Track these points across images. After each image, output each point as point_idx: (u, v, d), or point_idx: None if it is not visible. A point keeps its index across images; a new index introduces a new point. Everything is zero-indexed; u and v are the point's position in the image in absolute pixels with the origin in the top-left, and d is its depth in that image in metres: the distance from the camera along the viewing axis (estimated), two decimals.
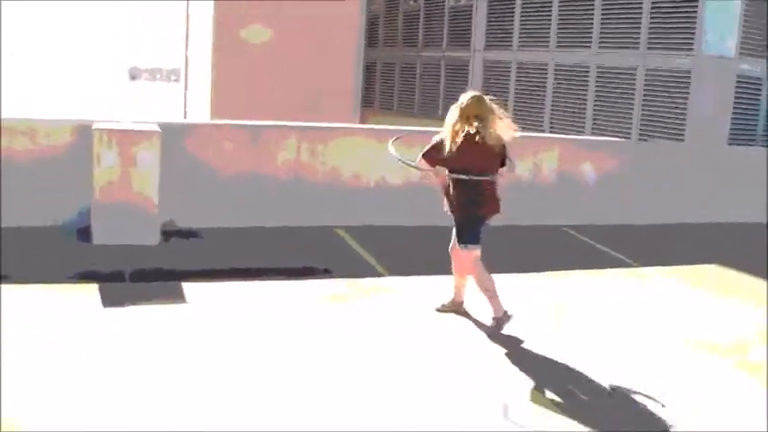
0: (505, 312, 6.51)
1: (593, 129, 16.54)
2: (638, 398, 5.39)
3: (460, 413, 5.02)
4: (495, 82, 19.51)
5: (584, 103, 16.85)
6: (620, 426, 5.04)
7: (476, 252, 6.47)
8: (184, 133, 9.19)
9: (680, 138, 14.54)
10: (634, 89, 15.71)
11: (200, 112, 24.18)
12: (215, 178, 9.17)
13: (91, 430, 4.39)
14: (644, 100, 15.50)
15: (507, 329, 6.50)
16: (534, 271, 8.46)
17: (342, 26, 23.19)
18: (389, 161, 9.63)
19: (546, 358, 6.06)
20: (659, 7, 15.10)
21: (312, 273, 7.83)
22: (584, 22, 16.80)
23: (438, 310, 6.88)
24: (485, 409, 5.07)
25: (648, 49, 15.34)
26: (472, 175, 6.31)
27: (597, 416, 5.13)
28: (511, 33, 19.01)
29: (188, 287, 7.05)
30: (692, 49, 14.52)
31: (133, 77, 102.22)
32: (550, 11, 17.72)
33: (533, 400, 5.28)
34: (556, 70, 17.69)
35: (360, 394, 5.18)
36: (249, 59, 22.32)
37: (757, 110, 15.13)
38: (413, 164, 6.74)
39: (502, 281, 6.76)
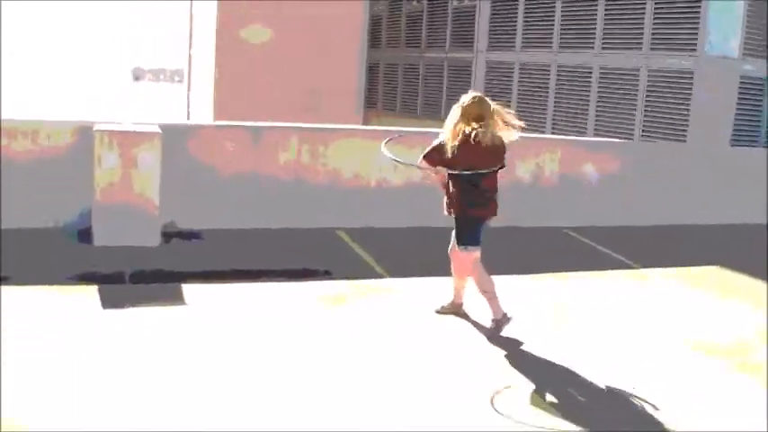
0: (505, 314, 6.50)
1: (595, 130, 16.53)
2: (637, 399, 5.38)
3: (460, 414, 5.01)
4: (498, 83, 19.51)
5: (587, 104, 16.84)
6: (620, 426, 5.03)
7: (476, 254, 6.46)
8: (185, 134, 9.20)
9: (682, 138, 14.52)
10: (637, 90, 15.70)
11: (203, 113, 24.22)
12: (216, 179, 9.18)
13: (90, 430, 4.40)
14: (646, 101, 15.50)
15: (507, 331, 6.49)
16: (535, 272, 8.45)
17: (345, 27, 23.22)
18: (390, 162, 9.71)
19: (546, 360, 6.05)
20: (662, 8, 15.09)
21: (312, 274, 7.84)
22: (587, 22, 16.80)
23: (437, 312, 6.87)
24: (484, 411, 5.06)
25: (651, 49, 15.33)
26: (472, 176, 6.30)
27: (597, 417, 5.13)
28: (514, 34, 19.02)
29: (188, 289, 7.06)
30: (694, 49, 14.51)
31: (137, 78, 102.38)
32: (553, 12, 17.72)
33: (533, 401, 5.28)
34: (558, 71, 17.68)
35: (359, 395, 5.18)
36: (252, 60, 22.36)
37: (760, 111, 15.12)
38: (410, 163, 6.75)
39: (502, 282, 6.76)
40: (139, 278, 7.37)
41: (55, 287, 6.79)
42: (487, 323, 6.58)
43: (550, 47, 17.82)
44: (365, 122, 23.50)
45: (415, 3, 23.44)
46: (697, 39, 14.48)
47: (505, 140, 6.40)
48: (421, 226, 9.11)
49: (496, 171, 6.41)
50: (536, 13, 18.34)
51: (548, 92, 17.96)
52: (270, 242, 8.82)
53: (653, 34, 15.29)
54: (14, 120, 8.77)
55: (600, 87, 16.57)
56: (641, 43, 15.50)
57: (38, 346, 5.49)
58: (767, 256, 9.64)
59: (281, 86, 22.48)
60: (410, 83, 23.52)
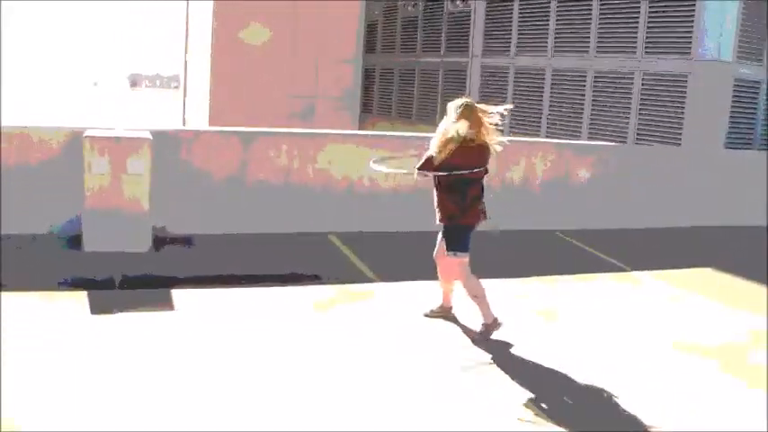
0: (495, 319, 6.48)
1: (590, 133, 16.53)
2: (628, 402, 5.36)
3: (449, 418, 5.00)
4: (493, 87, 19.52)
5: (582, 108, 16.84)
6: (611, 428, 5.01)
7: (464, 259, 6.44)
8: (176, 140, 9.17)
9: (677, 142, 14.53)
10: (631, 93, 15.70)
11: (199, 118, 24.22)
12: (208, 185, 9.17)
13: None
14: (641, 104, 15.50)
15: (498, 335, 6.47)
16: (526, 276, 8.44)
17: (340, 32, 23.23)
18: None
19: (536, 363, 6.04)
20: (656, 11, 15.10)
21: (302, 279, 7.82)
22: (582, 27, 16.80)
23: (426, 316, 6.86)
24: (473, 414, 5.04)
25: (645, 53, 15.34)
26: (462, 182, 6.29)
27: (588, 420, 5.12)
28: (509, 39, 19.03)
29: (177, 294, 7.04)
30: (689, 52, 14.51)
31: (134, 84, 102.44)
32: (548, 16, 17.74)
33: (523, 403, 5.26)
34: (553, 75, 17.69)
35: (349, 399, 5.17)
36: (247, 66, 22.36)
37: (755, 113, 15.12)
38: (406, 171, 6.73)
39: (494, 286, 6.76)
40: (129, 284, 7.35)
41: (44, 293, 6.77)
42: (477, 327, 6.56)
43: (545, 51, 17.83)
44: (361, 127, 23.50)
45: (410, 8, 23.46)
46: (691, 42, 14.48)
47: (493, 146, 6.40)
48: (412, 230, 9.07)
49: (482, 177, 6.40)
50: (530, 17, 18.35)
51: (542, 96, 17.96)
52: (261, 247, 8.80)
53: (647, 38, 15.30)
54: (6, 126, 8.74)
55: (594, 91, 16.57)
56: (635, 47, 15.51)
57: (26, 352, 5.48)
58: (767, 258, 9.62)
59: (279, 92, 22.49)
60: (405, 87, 23.54)
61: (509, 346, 6.35)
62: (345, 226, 9.53)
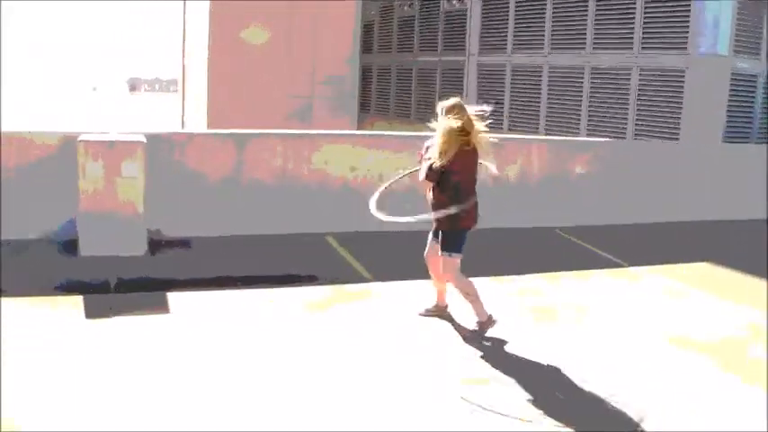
0: (490, 317, 6.46)
1: (588, 129, 16.51)
2: (627, 400, 5.34)
3: (445, 416, 4.98)
4: (490, 85, 19.51)
5: (579, 105, 16.82)
6: (609, 426, 4.99)
7: (456, 260, 6.42)
8: (171, 143, 9.16)
9: (675, 136, 14.50)
10: (629, 89, 15.68)
11: (198, 120, 24.24)
12: (203, 187, 9.15)
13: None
14: (638, 100, 15.47)
15: (495, 332, 6.46)
16: (523, 273, 8.41)
17: (337, 32, 23.23)
18: (377, 167, 9.69)
19: (533, 360, 6.02)
20: (652, 7, 15.07)
21: (298, 280, 7.80)
22: (578, 23, 16.78)
23: (421, 315, 6.84)
24: (471, 413, 5.02)
25: (642, 48, 15.31)
26: (461, 185, 6.28)
27: (586, 419, 5.09)
28: (505, 37, 19.01)
29: (173, 297, 7.02)
30: (685, 47, 14.48)
31: (133, 88, 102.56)
32: (544, 14, 17.72)
33: (520, 402, 5.23)
34: (550, 72, 17.67)
35: (345, 398, 5.15)
36: (244, 68, 22.37)
37: (752, 107, 15.08)
38: (408, 172, 6.72)
39: (491, 283, 6.75)
40: (124, 287, 7.34)
41: (40, 298, 6.76)
42: (471, 325, 6.54)
43: (542, 48, 17.81)
44: (359, 127, 23.49)
45: (406, 7, 23.45)
46: (687, 37, 14.45)
47: (482, 146, 6.39)
48: (410, 230, 9.05)
49: (474, 177, 6.39)
50: (527, 15, 18.33)
51: (540, 93, 17.95)
52: (257, 249, 8.79)
53: (643, 33, 15.27)
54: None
55: (592, 87, 16.55)
56: (632, 43, 15.48)
57: (22, 357, 5.46)
58: (767, 252, 9.60)
59: (277, 93, 22.49)
60: (403, 87, 23.52)
61: (506, 343, 6.33)
62: (342, 226, 9.50)
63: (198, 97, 24.53)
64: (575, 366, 5.87)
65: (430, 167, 6.23)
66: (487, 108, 6.41)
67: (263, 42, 22.40)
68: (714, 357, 6.24)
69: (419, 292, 7.19)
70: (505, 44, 19.00)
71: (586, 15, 16.55)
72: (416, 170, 6.61)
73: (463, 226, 6.40)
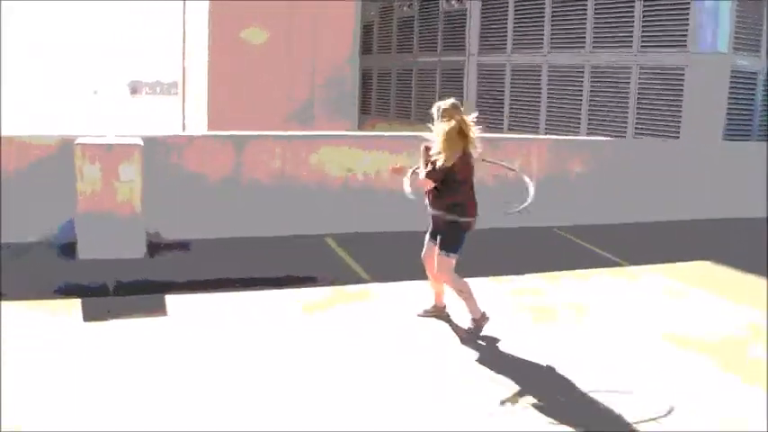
0: (483, 314, 6.45)
1: (588, 128, 16.48)
2: (627, 399, 5.32)
3: (443, 416, 4.97)
4: (490, 85, 19.49)
5: (579, 104, 16.79)
6: (608, 426, 4.97)
7: (453, 260, 6.41)
8: (168, 145, 9.15)
9: (675, 135, 14.47)
10: (628, 88, 15.65)
11: (198, 122, 24.26)
12: (201, 190, 9.15)
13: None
14: (639, 98, 15.44)
15: (493, 332, 6.44)
16: (522, 273, 8.39)
17: (336, 33, 23.24)
18: (375, 168, 9.68)
19: (533, 360, 6.00)
20: (652, 4, 15.05)
21: (296, 281, 7.79)
22: (577, 22, 16.76)
23: (419, 316, 6.82)
24: (469, 413, 5.01)
25: (642, 47, 15.29)
26: (462, 186, 6.28)
27: (584, 416, 5.08)
28: (505, 37, 19.00)
29: (171, 299, 7.02)
30: (685, 45, 14.46)
31: (134, 91, 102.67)
32: (543, 13, 17.70)
33: (519, 403, 5.21)
34: (550, 71, 17.65)
35: (344, 400, 5.14)
36: (244, 69, 22.39)
37: (752, 104, 15.04)
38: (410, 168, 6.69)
39: (489, 283, 6.72)
40: (122, 290, 7.33)
41: (38, 301, 6.76)
42: (468, 324, 6.52)
43: (541, 48, 17.79)
44: (360, 129, 23.49)
45: (405, 8, 23.43)
46: (687, 35, 14.43)
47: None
48: (409, 230, 9.03)
49: (472, 177, 6.38)
50: (526, 14, 18.31)
51: (540, 93, 17.93)
52: (257, 251, 8.77)
53: (643, 31, 15.25)
54: None
55: (592, 86, 16.53)
56: (632, 41, 15.46)
57: (18, 360, 5.45)
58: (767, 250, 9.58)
59: (277, 95, 22.51)
60: (403, 88, 23.49)
61: (505, 343, 6.31)
62: (341, 227, 9.49)
63: (198, 99, 24.57)
64: (574, 366, 5.84)
65: (434, 167, 6.19)
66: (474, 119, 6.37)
67: (262, 42, 22.41)
68: (714, 357, 6.21)
69: (418, 293, 7.17)
70: (505, 44, 18.98)
71: (586, 14, 16.53)
72: (417, 168, 6.56)
73: (462, 227, 6.39)
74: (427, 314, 6.83)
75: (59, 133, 8.95)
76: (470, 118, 6.28)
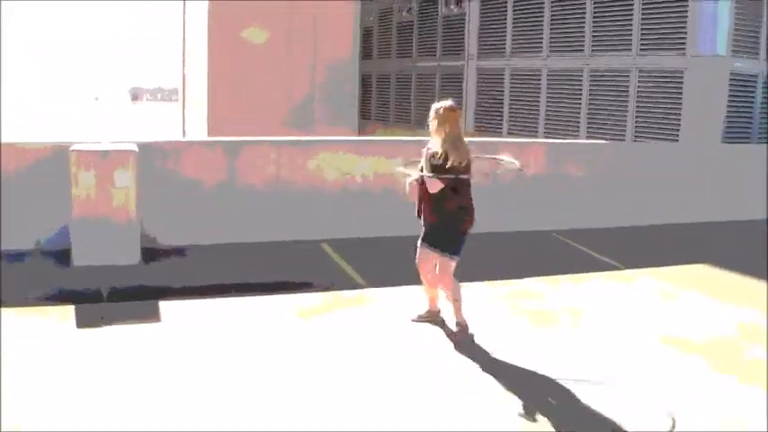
0: (467, 326, 6.46)
1: (588, 132, 16.47)
2: (624, 402, 5.28)
3: (441, 419, 4.94)
4: (490, 89, 19.48)
5: (579, 107, 16.78)
6: (606, 427, 4.93)
7: (454, 263, 6.38)
8: (164, 152, 9.13)
9: (675, 138, 14.45)
10: (628, 91, 15.64)
11: (198, 128, 24.29)
12: (197, 195, 9.12)
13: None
14: (638, 101, 15.43)
15: (489, 335, 6.41)
16: (520, 277, 8.35)
17: (337, 34, 23.24)
18: (372, 172, 9.66)
19: (530, 363, 5.94)
20: (650, 8, 15.04)
21: (291, 287, 7.75)
22: (576, 26, 16.76)
23: (414, 321, 6.78)
24: (466, 416, 4.97)
25: (641, 50, 15.28)
26: (468, 187, 6.27)
27: (579, 419, 5.04)
28: (504, 41, 19.00)
29: (165, 305, 6.98)
30: (684, 48, 14.45)
31: (135, 98, 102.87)
32: (542, 17, 17.70)
33: (516, 406, 5.18)
34: (549, 75, 17.64)
35: (339, 405, 5.10)
36: (245, 70, 22.40)
37: (752, 107, 15.02)
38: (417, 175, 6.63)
39: (486, 288, 6.66)
40: (116, 296, 7.30)
41: (32, 308, 6.74)
42: (461, 329, 6.49)
43: (540, 52, 17.79)
44: (360, 134, 23.50)
45: (404, 13, 23.44)
46: (686, 38, 14.42)
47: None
48: (405, 235, 9.01)
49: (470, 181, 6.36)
50: (525, 18, 18.32)
51: (539, 96, 17.92)
52: (252, 256, 8.75)
53: (642, 35, 15.25)
54: None
55: (591, 90, 16.51)
56: (630, 44, 15.45)
57: (10, 368, 5.42)
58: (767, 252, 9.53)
59: (277, 101, 22.52)
60: (403, 93, 23.51)
61: (502, 347, 6.26)
62: (337, 233, 9.46)
63: (198, 104, 24.57)
64: (572, 370, 5.80)
65: (443, 169, 6.14)
66: None
67: (263, 42, 22.41)
68: (713, 359, 6.16)
69: (413, 298, 7.13)
70: (504, 48, 18.98)
71: (584, 18, 16.53)
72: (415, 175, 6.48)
73: (465, 230, 6.37)
74: (421, 319, 6.79)
75: (55, 140, 8.94)
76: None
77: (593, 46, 16.40)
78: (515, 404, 5.23)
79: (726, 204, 11.79)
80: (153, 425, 4.74)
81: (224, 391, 5.24)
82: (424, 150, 6.39)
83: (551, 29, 17.50)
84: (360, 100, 24.78)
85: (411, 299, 7.15)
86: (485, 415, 5.05)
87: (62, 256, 8.25)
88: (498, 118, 19.12)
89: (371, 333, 6.54)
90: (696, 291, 8.20)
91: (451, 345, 6.32)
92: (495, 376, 5.68)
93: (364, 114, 25.27)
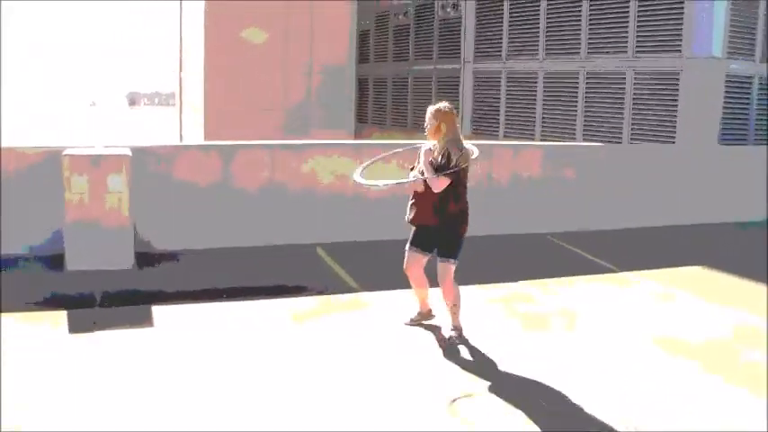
0: (461, 327, 6.43)
1: (584, 134, 16.46)
2: (622, 404, 5.25)
3: (438, 420, 4.92)
4: (486, 92, 19.47)
5: (575, 110, 16.77)
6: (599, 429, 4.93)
7: (454, 266, 6.36)
8: (158, 156, 9.10)
9: (671, 139, 14.44)
10: (624, 93, 15.63)
11: (195, 131, 24.27)
12: (191, 200, 9.09)
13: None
14: (634, 103, 15.42)
15: (483, 338, 6.39)
16: (514, 280, 8.32)
17: (334, 34, 23.23)
18: (366, 176, 9.60)
19: (524, 365, 5.92)
20: (646, 10, 15.04)
21: (285, 291, 7.73)
22: (572, 28, 16.76)
23: (407, 324, 6.76)
24: (465, 415, 4.95)
25: (637, 52, 15.28)
26: (465, 188, 6.31)
27: (575, 422, 5.01)
28: (500, 44, 18.99)
29: (158, 310, 6.96)
30: (679, 50, 14.44)
31: (132, 103, 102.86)
32: (538, 20, 17.70)
33: (509, 407, 5.16)
34: (545, 78, 17.63)
35: (334, 408, 5.08)
36: (242, 71, 22.38)
37: (748, 108, 15.01)
38: (399, 181, 6.59)
39: (483, 290, 6.63)
40: (109, 301, 7.27)
41: (24, 314, 6.70)
42: (454, 331, 6.46)
43: (536, 54, 17.78)
44: (356, 137, 23.47)
45: (401, 16, 23.44)
46: (681, 40, 14.42)
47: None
48: (396, 239, 8.98)
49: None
50: (521, 21, 18.32)
51: (536, 99, 17.91)
52: (246, 261, 8.72)
53: (638, 37, 15.25)
54: None
55: (587, 92, 16.50)
56: (626, 46, 15.45)
57: (4, 372, 5.39)
58: (767, 253, 9.50)
59: (273, 104, 22.50)
60: (399, 96, 23.51)
61: (496, 350, 6.24)
62: (331, 237, 9.44)
63: (195, 107, 24.56)
64: (566, 374, 5.78)
65: (445, 169, 6.13)
66: None
67: (261, 42, 22.39)
68: (710, 362, 6.14)
69: (406, 302, 7.10)
70: (500, 51, 18.98)
71: (580, 20, 16.52)
72: (412, 180, 6.45)
73: (462, 232, 6.36)
74: (414, 322, 6.77)
75: (47, 144, 8.90)
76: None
77: (589, 48, 16.39)
78: (510, 407, 5.20)
79: (722, 206, 11.76)
80: (146, 430, 4.71)
81: (218, 396, 5.22)
82: (421, 153, 6.36)
83: (547, 32, 17.50)
84: (356, 103, 24.77)
85: (404, 302, 7.13)
86: (480, 418, 5.02)
87: (55, 261, 8.22)
88: (495, 121, 19.12)
89: (366, 337, 6.51)
90: (693, 294, 8.18)
91: (446, 348, 6.30)
92: (489, 379, 5.67)
93: (361, 118, 25.27)
